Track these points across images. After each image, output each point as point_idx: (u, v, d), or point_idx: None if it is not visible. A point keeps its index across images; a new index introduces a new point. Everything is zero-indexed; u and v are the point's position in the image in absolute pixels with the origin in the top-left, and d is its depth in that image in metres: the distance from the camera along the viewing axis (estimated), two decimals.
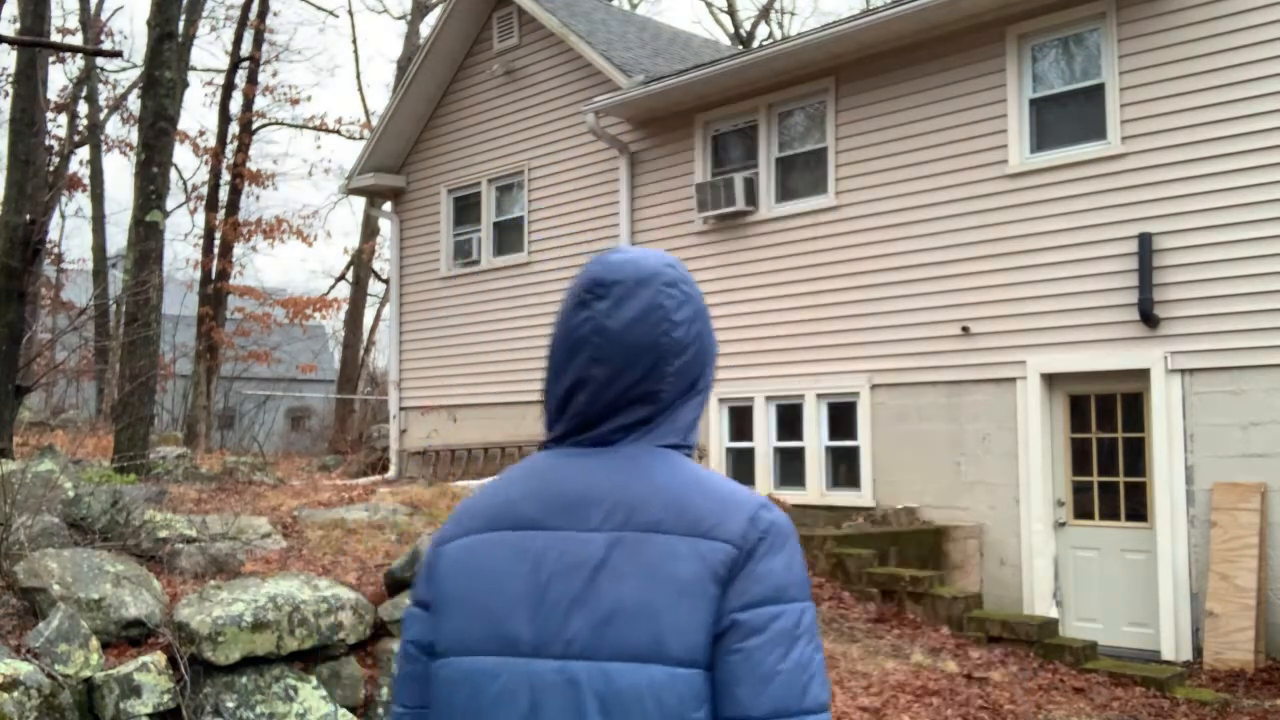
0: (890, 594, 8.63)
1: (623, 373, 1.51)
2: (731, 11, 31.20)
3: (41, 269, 20.63)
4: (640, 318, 1.51)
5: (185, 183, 29.47)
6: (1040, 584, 9.01)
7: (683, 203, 11.96)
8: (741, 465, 11.31)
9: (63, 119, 26.49)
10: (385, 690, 5.53)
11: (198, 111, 67.74)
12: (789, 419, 10.94)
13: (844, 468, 10.54)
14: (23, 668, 4.55)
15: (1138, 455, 8.77)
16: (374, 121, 28.67)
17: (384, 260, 27.89)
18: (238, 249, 25.01)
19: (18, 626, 5.03)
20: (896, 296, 10.12)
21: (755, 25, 31.52)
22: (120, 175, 55.97)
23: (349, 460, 17.80)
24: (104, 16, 28.00)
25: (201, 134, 25.15)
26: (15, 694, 4.43)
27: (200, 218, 25.87)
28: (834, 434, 10.60)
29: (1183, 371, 8.45)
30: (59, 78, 48.48)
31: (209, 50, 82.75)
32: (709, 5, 31.63)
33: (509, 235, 14.09)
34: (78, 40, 25.42)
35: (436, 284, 14.99)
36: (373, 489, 10.98)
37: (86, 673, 4.80)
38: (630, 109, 12.13)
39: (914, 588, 8.62)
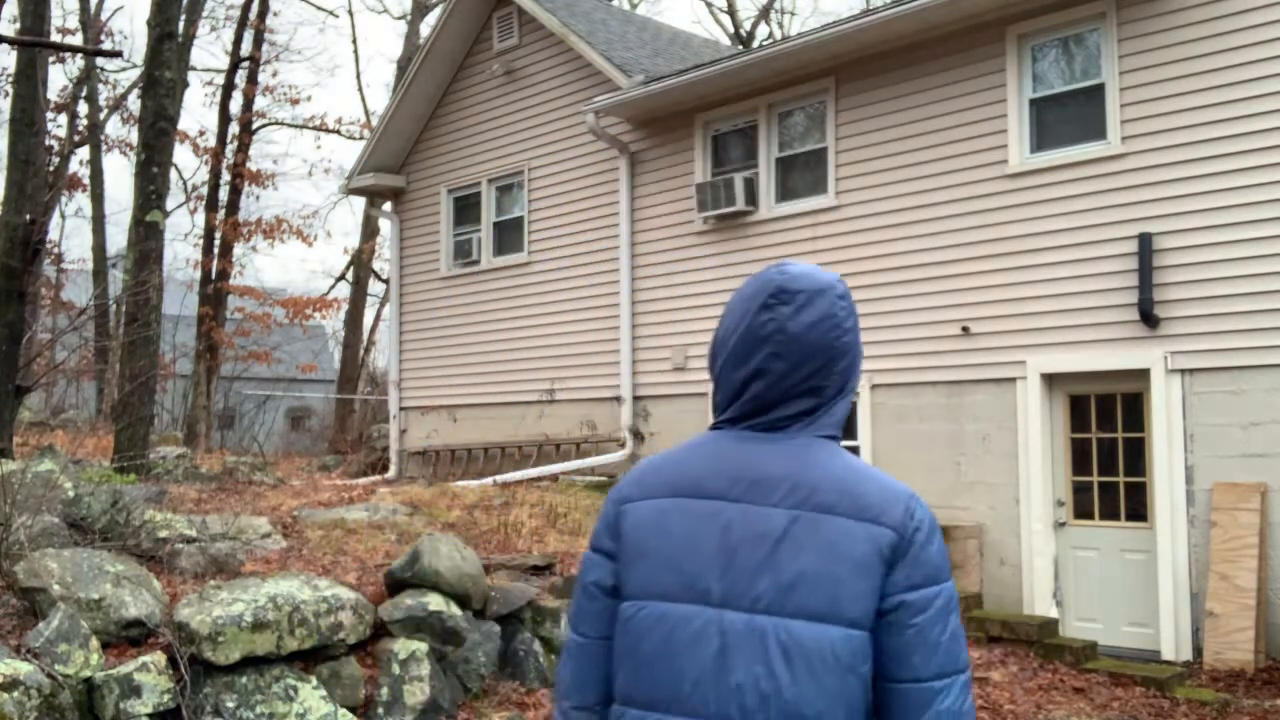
0: None
1: (798, 367, 1.80)
2: (731, 11, 31.20)
3: (41, 269, 20.63)
4: (817, 323, 1.80)
5: (185, 183, 29.50)
6: (1040, 584, 9.01)
7: (683, 203, 11.96)
8: None
9: (63, 119, 26.52)
10: (385, 690, 5.53)
11: (198, 111, 67.74)
12: None
13: None
14: (23, 668, 4.55)
15: (1138, 455, 8.77)
16: (374, 121, 28.67)
17: (384, 260, 27.91)
18: (238, 249, 25.02)
19: (18, 626, 5.03)
20: (896, 296, 10.12)
21: (755, 25, 31.53)
22: (120, 175, 56.03)
23: (349, 460, 17.80)
24: (104, 16, 28.02)
25: (201, 134, 25.17)
26: (15, 694, 4.43)
27: (200, 218, 25.90)
28: None
29: (1183, 371, 8.45)
30: (59, 78, 48.46)
31: (209, 50, 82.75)
32: (709, 5, 31.64)
33: (509, 235, 14.09)
34: (78, 40, 25.42)
35: (436, 284, 14.99)
36: (373, 489, 10.99)
37: (86, 673, 4.80)
38: (630, 109, 12.13)
39: None
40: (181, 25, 16.54)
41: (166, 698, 4.87)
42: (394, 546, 7.33)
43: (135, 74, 25.86)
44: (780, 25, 32.58)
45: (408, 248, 15.53)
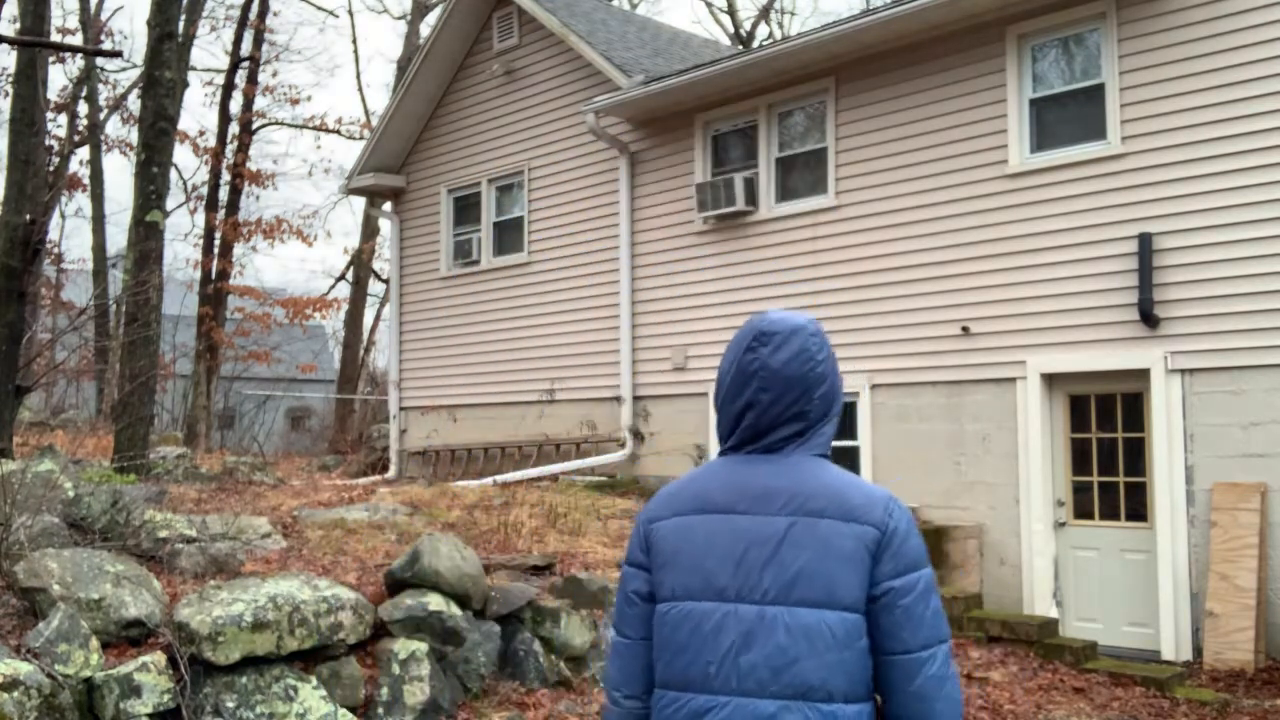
0: None
1: (782, 397, 2.16)
2: (731, 11, 31.20)
3: (41, 269, 20.63)
4: (792, 358, 2.16)
5: (185, 183, 29.49)
6: (1040, 584, 9.01)
7: (683, 203, 11.96)
8: None
9: (63, 119, 26.52)
10: (385, 690, 5.53)
11: (198, 111, 67.69)
12: None
13: (844, 467, 10.54)
14: (23, 668, 4.55)
15: (1138, 455, 8.77)
16: (374, 121, 28.67)
17: (384, 260, 27.91)
18: (238, 249, 25.02)
19: (18, 626, 5.03)
20: (896, 296, 10.12)
21: (755, 25, 31.53)
22: (120, 175, 56.01)
23: (349, 460, 17.80)
24: (104, 16, 28.02)
25: (201, 134, 25.16)
26: (15, 694, 4.43)
27: (200, 218, 25.90)
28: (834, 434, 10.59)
29: (1183, 371, 8.45)
30: (59, 78, 48.46)
31: (209, 50, 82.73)
32: (709, 5, 31.64)
33: (509, 235, 14.09)
34: (78, 40, 25.42)
35: (436, 284, 14.99)
36: (373, 489, 10.99)
37: (86, 673, 4.80)
38: (630, 109, 12.13)
39: None
40: (181, 25, 16.54)
41: (166, 698, 4.87)
42: (394, 546, 7.33)
43: (135, 74, 25.87)
44: (780, 25, 32.59)
45: (408, 248, 15.53)
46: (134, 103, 26.34)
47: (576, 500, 9.89)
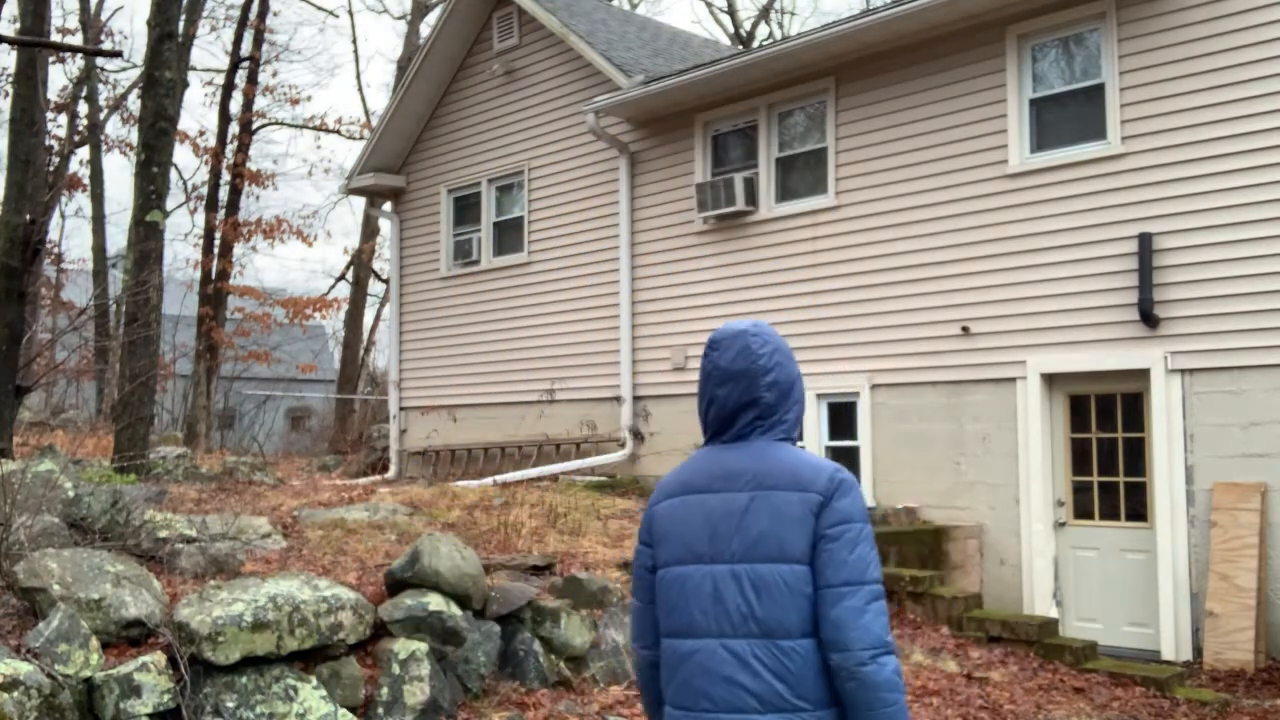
0: (890, 594, 8.62)
1: (734, 389, 2.63)
2: (731, 11, 31.20)
3: (41, 269, 20.63)
4: (736, 356, 2.64)
5: (185, 183, 29.47)
6: (1040, 584, 9.01)
7: (683, 203, 11.96)
8: None
9: (63, 119, 26.51)
10: (385, 690, 5.53)
11: (198, 111, 67.67)
12: None
13: (844, 466, 10.53)
14: (23, 668, 4.55)
15: (1138, 455, 8.77)
16: (374, 121, 28.67)
17: (384, 260, 27.90)
18: (238, 249, 25.02)
19: (18, 626, 5.03)
20: (896, 296, 10.12)
21: (755, 25, 31.54)
22: (120, 175, 55.98)
23: (349, 460, 17.80)
24: (104, 16, 28.02)
25: (201, 134, 25.15)
26: (15, 694, 4.43)
27: (200, 218, 25.89)
28: (834, 434, 10.61)
29: (1183, 371, 8.45)
30: (59, 78, 48.47)
31: (209, 50, 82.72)
32: (709, 5, 31.64)
33: (509, 235, 14.09)
34: (78, 40, 25.42)
35: (436, 284, 14.99)
36: (373, 489, 10.99)
37: (86, 673, 4.80)
38: (630, 109, 12.13)
39: (914, 588, 8.62)
40: (181, 25, 16.53)
41: (166, 698, 4.87)
42: (394, 546, 7.33)
43: (135, 74, 25.86)
44: (780, 25, 32.59)
45: (408, 248, 15.53)
46: (134, 103, 26.35)
47: (576, 500, 9.89)
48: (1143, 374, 8.67)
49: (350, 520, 8.06)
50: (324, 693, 5.26)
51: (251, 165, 25.26)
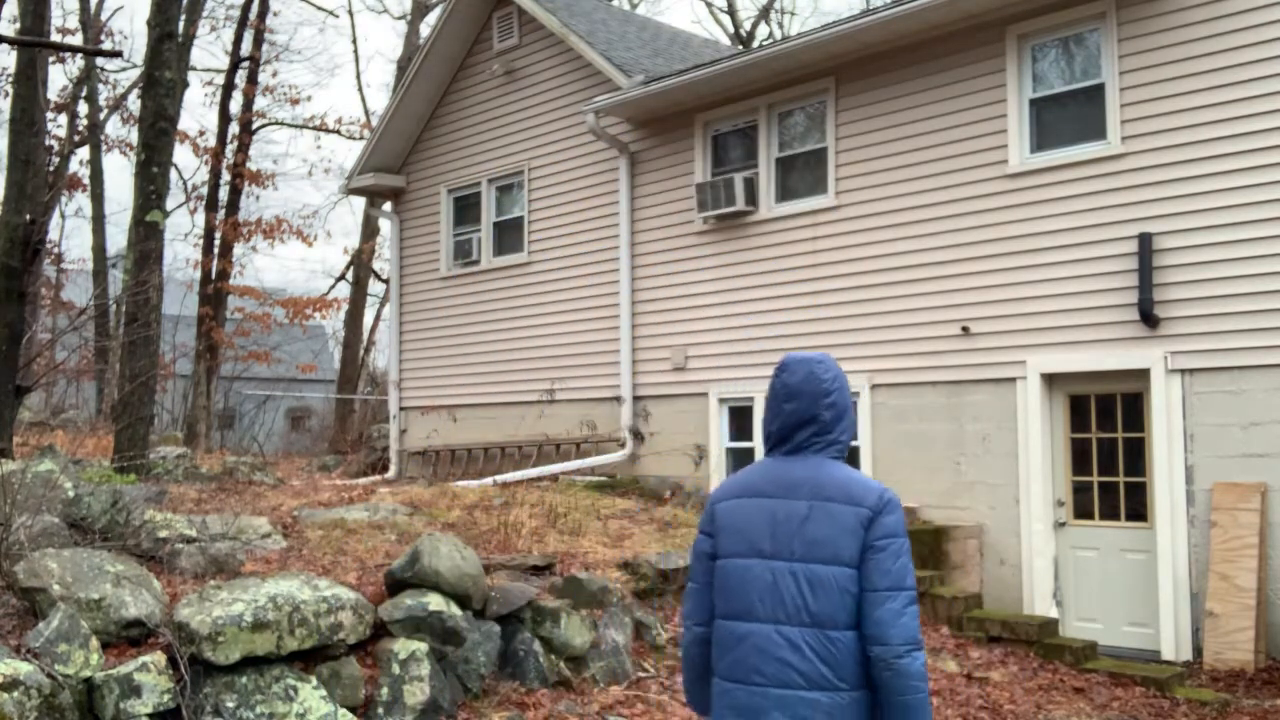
0: None
1: (798, 406, 3.06)
2: (731, 11, 31.20)
3: (41, 269, 20.63)
4: (804, 379, 3.08)
5: (185, 183, 29.46)
6: (1040, 584, 9.01)
7: (683, 203, 11.96)
8: (741, 465, 11.31)
9: (63, 119, 26.51)
10: (385, 690, 5.53)
11: (198, 111, 67.63)
12: None
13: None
14: (23, 668, 4.55)
15: (1138, 455, 8.77)
16: (374, 121, 28.67)
17: (384, 260, 27.90)
18: (238, 249, 25.01)
19: (18, 626, 5.03)
20: (896, 296, 10.12)
21: (755, 25, 31.54)
22: (120, 175, 55.99)
23: (349, 460, 17.80)
24: (104, 16, 28.01)
25: (201, 134, 25.15)
26: (15, 694, 4.43)
27: (200, 218, 25.89)
28: None
29: (1183, 371, 8.45)
30: (59, 78, 48.48)
31: (209, 50, 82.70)
32: (709, 5, 31.65)
33: (509, 235, 14.09)
34: (78, 40, 25.42)
35: (436, 284, 14.99)
36: (373, 489, 10.99)
37: (86, 673, 4.80)
38: (630, 109, 12.13)
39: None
40: (181, 25, 16.54)
41: (166, 698, 4.87)
42: (394, 546, 7.33)
43: (135, 74, 25.87)
44: (780, 25, 32.60)
45: (408, 248, 15.53)
46: (134, 103, 26.35)
47: (576, 500, 9.89)
48: (1143, 374, 8.67)
49: (350, 520, 8.05)
50: (324, 693, 5.26)
51: (251, 165, 25.26)
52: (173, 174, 24.03)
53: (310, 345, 34.07)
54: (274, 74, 29.73)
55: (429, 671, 5.68)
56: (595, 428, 12.71)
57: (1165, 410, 8.46)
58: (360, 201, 26.10)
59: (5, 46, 20.22)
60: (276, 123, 28.59)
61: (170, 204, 18.91)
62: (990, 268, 9.51)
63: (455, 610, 6.04)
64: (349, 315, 27.65)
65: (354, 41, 36.88)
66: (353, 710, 5.36)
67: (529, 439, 13.29)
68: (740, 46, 27.03)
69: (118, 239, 29.18)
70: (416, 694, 5.58)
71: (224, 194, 24.72)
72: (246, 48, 25.26)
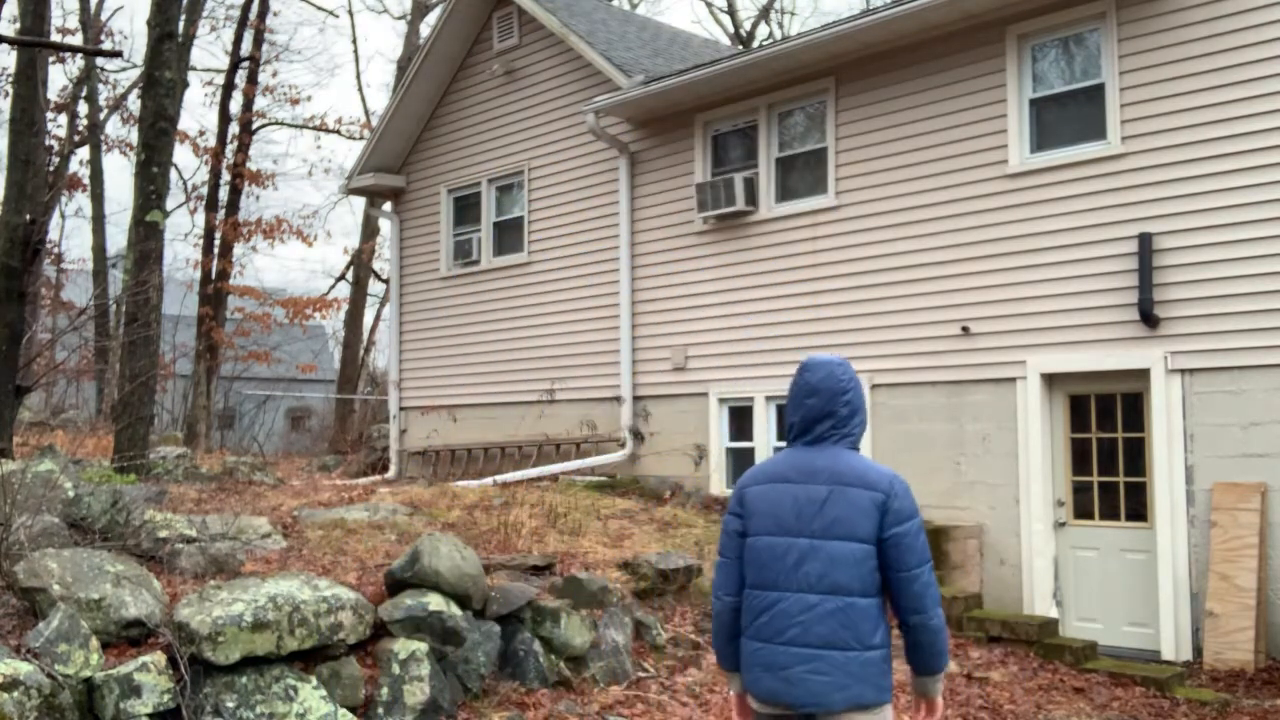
0: None
1: (819, 401, 3.50)
2: (731, 11, 31.21)
3: (41, 269, 20.63)
4: (825, 378, 3.52)
5: (185, 183, 29.46)
6: (1040, 584, 9.01)
7: (683, 203, 11.96)
8: (741, 465, 11.31)
9: (63, 119, 26.51)
10: (385, 690, 5.53)
11: (198, 111, 67.60)
12: None
13: None
14: (23, 668, 4.55)
15: (1138, 455, 8.77)
16: (374, 121, 28.67)
17: (384, 260, 27.90)
18: (238, 249, 25.02)
19: (18, 626, 5.03)
20: (896, 296, 10.12)
21: (755, 25, 31.54)
22: (120, 175, 55.99)
23: (349, 460, 17.80)
24: (104, 16, 28.02)
25: (201, 134, 25.16)
26: (15, 694, 4.43)
27: (200, 218, 25.90)
28: None
29: (1183, 371, 8.45)
30: (59, 78, 48.48)
31: (209, 50, 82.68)
32: (709, 5, 31.65)
33: (509, 235, 14.09)
34: (78, 40, 25.42)
35: (436, 284, 14.99)
36: (373, 489, 10.99)
37: (86, 673, 4.80)
38: (630, 109, 12.13)
39: None
40: (181, 25, 16.53)
41: (166, 698, 4.87)
42: (394, 546, 7.33)
43: (135, 74, 25.87)
44: (780, 25, 32.59)
45: (408, 248, 15.54)
46: (134, 103, 26.35)
47: (576, 500, 9.89)
48: (1143, 374, 8.67)
49: (350, 520, 8.05)
50: (324, 693, 5.26)
51: (251, 165, 25.26)
52: (173, 174, 24.04)
53: (310, 345, 34.07)
54: (274, 74, 29.72)
55: (429, 671, 5.68)
56: (595, 428, 12.71)
57: (1165, 410, 8.46)
58: (360, 201, 26.11)
59: (5, 46, 20.22)
60: (276, 123, 28.60)
61: (170, 204, 18.91)
62: (990, 268, 9.51)
63: (455, 610, 6.04)
64: (349, 315, 27.66)
65: (354, 41, 36.91)
66: (353, 710, 5.36)
67: (529, 439, 13.29)
68: (740, 46, 27.03)
69: (118, 239, 29.21)
70: (416, 694, 5.58)
71: (224, 194, 24.72)
72: (246, 48, 25.26)
